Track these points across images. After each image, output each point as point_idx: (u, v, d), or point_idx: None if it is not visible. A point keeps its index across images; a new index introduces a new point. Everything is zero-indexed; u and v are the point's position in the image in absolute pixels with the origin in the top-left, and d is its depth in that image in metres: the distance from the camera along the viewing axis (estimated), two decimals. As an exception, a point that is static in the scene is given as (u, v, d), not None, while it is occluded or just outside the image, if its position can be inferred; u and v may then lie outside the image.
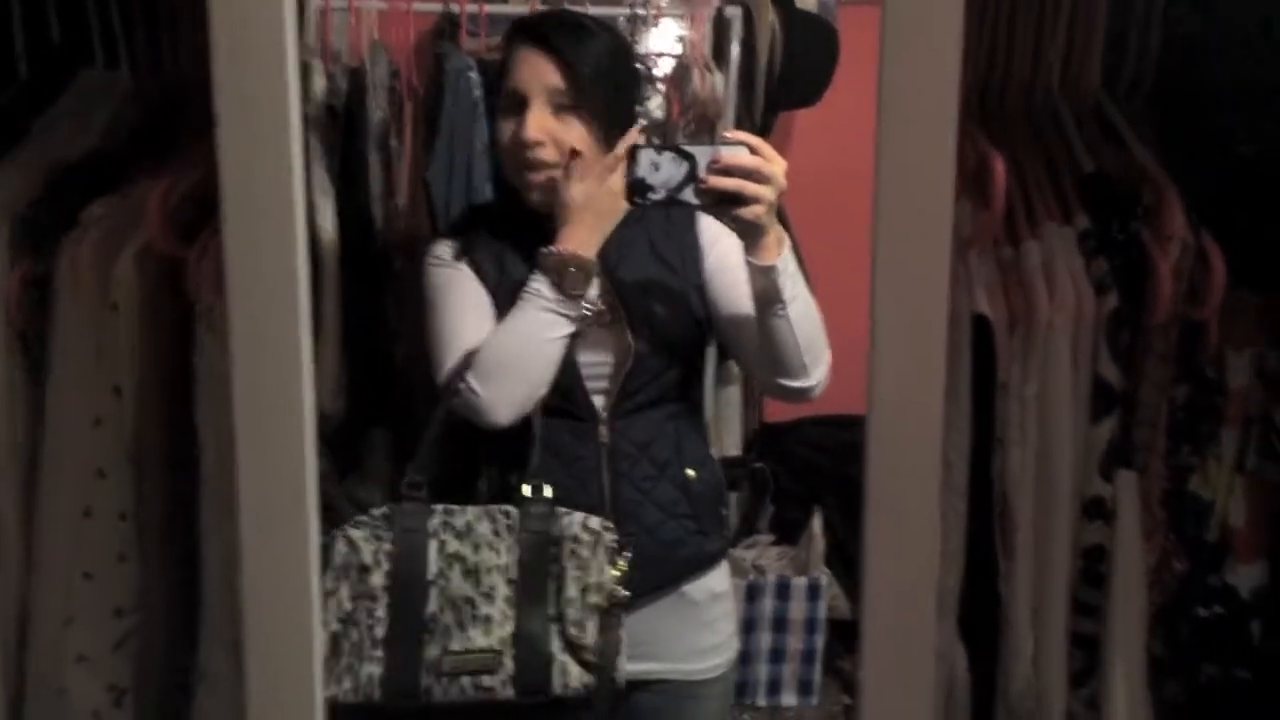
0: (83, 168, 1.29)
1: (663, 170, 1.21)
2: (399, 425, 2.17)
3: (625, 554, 1.29)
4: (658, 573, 1.39)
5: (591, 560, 1.27)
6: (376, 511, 1.26)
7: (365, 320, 2.15)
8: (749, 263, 1.26)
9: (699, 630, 1.44)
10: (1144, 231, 1.19)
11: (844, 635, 2.55)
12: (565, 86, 1.33)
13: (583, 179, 1.30)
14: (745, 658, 2.43)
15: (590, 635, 1.26)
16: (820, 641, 2.50)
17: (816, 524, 2.55)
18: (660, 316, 1.39)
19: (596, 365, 1.39)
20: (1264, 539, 1.20)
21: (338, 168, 2.19)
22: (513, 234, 1.39)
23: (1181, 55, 1.39)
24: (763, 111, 2.68)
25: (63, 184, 1.26)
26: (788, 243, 1.28)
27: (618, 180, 1.27)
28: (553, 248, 1.30)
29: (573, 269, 1.29)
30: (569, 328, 1.31)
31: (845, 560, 2.58)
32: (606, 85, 1.35)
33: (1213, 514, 1.21)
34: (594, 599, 1.26)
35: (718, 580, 1.46)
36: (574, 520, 1.29)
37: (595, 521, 1.29)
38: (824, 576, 2.51)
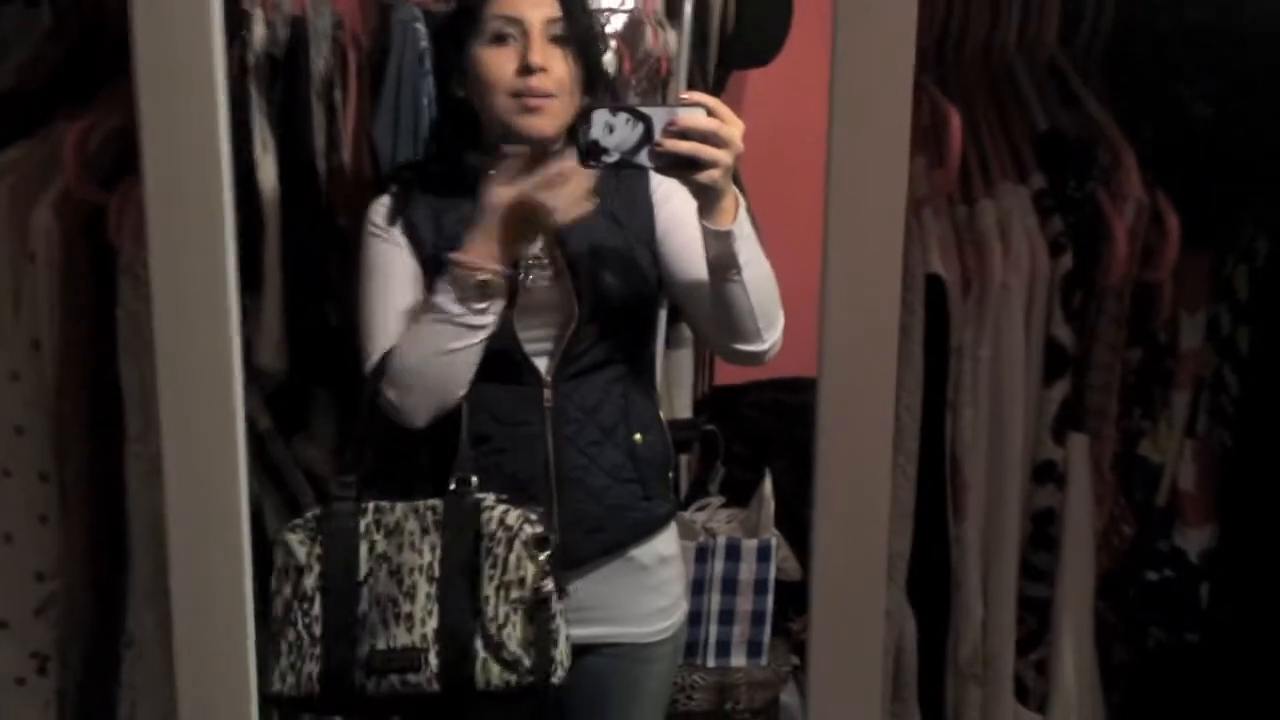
0: (-2, 109, 1.22)
1: (617, 132, 1.17)
2: (342, 384, 2.12)
3: (547, 548, 1.25)
4: (604, 537, 1.36)
5: (508, 556, 1.24)
6: (309, 514, 1.27)
7: (307, 277, 2.08)
8: (704, 227, 1.22)
9: (647, 594, 1.42)
10: (1100, 191, 1.17)
11: (793, 597, 2.55)
12: (560, 16, 1.30)
13: (565, 186, 1.24)
14: (694, 619, 2.42)
15: (514, 632, 1.23)
16: (769, 603, 2.49)
17: (767, 486, 2.53)
18: (608, 276, 1.35)
19: (540, 327, 1.34)
20: (1212, 503, 1.20)
21: (278, 120, 2.12)
22: (452, 191, 1.34)
23: (1137, 13, 1.37)
24: (715, 70, 2.64)
25: (-25, 126, 1.19)
26: (744, 206, 1.24)
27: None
28: (460, 255, 1.24)
29: (480, 282, 1.25)
30: (474, 338, 1.27)
31: (795, 523, 2.57)
32: (593, 22, 1.32)
33: (1162, 477, 1.20)
34: (514, 595, 1.24)
35: (665, 544, 1.44)
36: (493, 515, 1.25)
37: (513, 516, 1.25)
38: (774, 538, 2.50)
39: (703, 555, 2.47)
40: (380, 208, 1.38)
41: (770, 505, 2.54)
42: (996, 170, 1.21)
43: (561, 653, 1.25)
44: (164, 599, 1.06)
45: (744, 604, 2.52)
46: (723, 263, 1.24)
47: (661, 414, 1.49)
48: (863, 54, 0.98)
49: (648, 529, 1.40)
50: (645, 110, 1.18)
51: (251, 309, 2.10)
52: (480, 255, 1.25)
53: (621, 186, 1.38)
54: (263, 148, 2.08)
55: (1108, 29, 1.36)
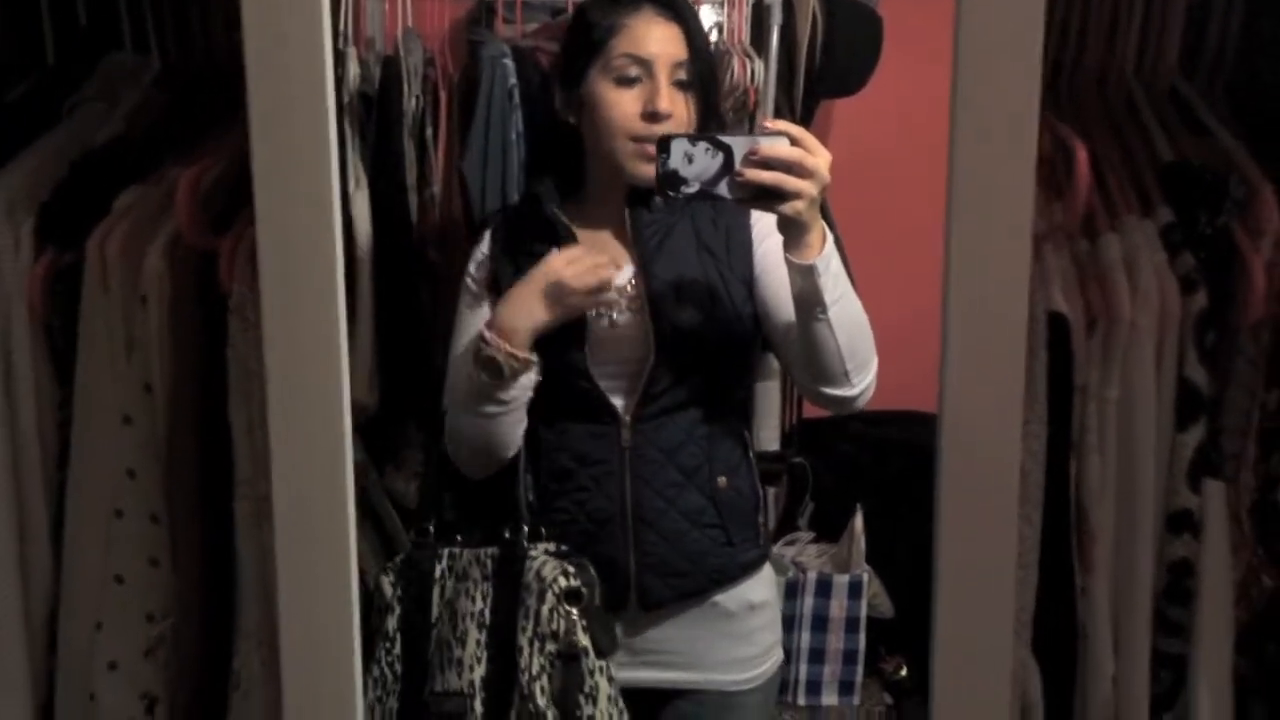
0: (110, 154, 1.23)
1: (696, 162, 1.13)
2: (434, 417, 2.12)
3: (580, 602, 1.22)
4: (682, 583, 1.31)
5: (540, 609, 1.21)
6: (400, 556, 1.31)
7: (400, 312, 2.10)
8: (788, 261, 1.17)
9: (733, 641, 1.36)
10: (1235, 226, 1.10)
11: (885, 635, 2.47)
12: (686, 59, 1.27)
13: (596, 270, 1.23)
14: (785, 656, 2.36)
15: (546, 685, 1.21)
16: (861, 641, 2.42)
17: (858, 521, 2.47)
18: (696, 312, 1.30)
19: (617, 364, 1.30)
20: (1361, 553, 1.12)
21: (371, 157, 2.14)
22: (538, 237, 1.32)
23: (1262, 39, 1.30)
24: (803, 100, 2.60)
25: (89, 171, 1.20)
26: (831, 241, 1.19)
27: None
28: (485, 330, 1.23)
29: (489, 359, 1.22)
30: (503, 409, 1.25)
31: (886, 559, 2.50)
32: (715, 66, 1.29)
33: (1305, 527, 1.12)
34: (549, 648, 1.21)
35: (755, 590, 1.37)
36: (531, 566, 1.23)
37: (550, 567, 1.22)
38: (865, 574, 2.43)
39: (793, 591, 2.41)
40: (476, 256, 1.37)
41: (861, 541, 2.47)
42: (1120, 203, 1.15)
43: (601, 711, 1.21)
44: (271, 641, 1.04)
45: (835, 641, 2.45)
46: (808, 299, 1.18)
47: (752, 456, 1.42)
48: (987, 84, 0.94)
49: (731, 576, 1.34)
50: (725, 139, 1.13)
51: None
52: (505, 329, 1.22)
53: (719, 220, 1.34)
54: (355, 184, 2.10)
55: (1231, 55, 1.29)
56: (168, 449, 1.11)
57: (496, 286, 1.31)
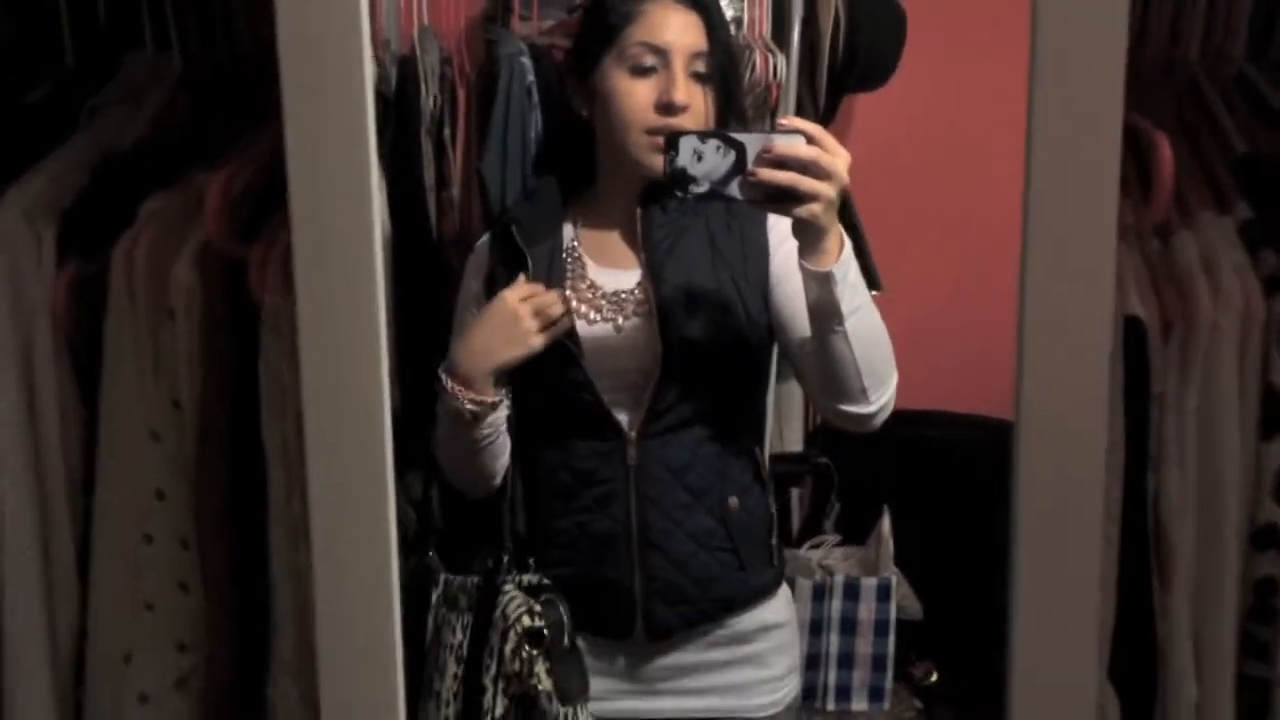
0: (133, 159, 1.16)
1: (706, 160, 1.06)
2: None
3: (542, 644, 1.17)
4: (689, 610, 1.24)
5: (503, 648, 1.16)
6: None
7: (418, 314, 2.04)
8: (803, 268, 1.10)
9: (745, 666, 1.29)
10: (1320, 222, 1.04)
11: (915, 638, 2.42)
12: (706, 51, 1.20)
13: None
14: (812, 662, 2.30)
15: None
16: (890, 645, 2.36)
17: (886, 523, 2.41)
18: (707, 320, 1.22)
19: (622, 376, 1.22)
20: None
21: (389, 158, 2.09)
22: (541, 240, 1.27)
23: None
24: (827, 96, 2.54)
25: (112, 177, 1.14)
26: (849, 247, 1.11)
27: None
28: (451, 384, 1.19)
29: (466, 410, 1.18)
30: (475, 437, 1.20)
31: (914, 561, 2.44)
32: (737, 58, 1.23)
33: (1397, 541, 1.06)
34: (512, 689, 1.16)
35: (770, 613, 1.30)
36: (500, 602, 1.17)
37: (515, 605, 1.16)
38: (894, 576, 2.37)
39: (819, 594, 2.35)
40: (474, 259, 1.31)
41: (890, 543, 2.42)
42: (1193, 199, 1.09)
43: None
44: (309, 670, 0.98)
45: (863, 646, 2.39)
46: (824, 309, 1.11)
47: (765, 475, 1.34)
48: (1067, 72, 0.87)
49: (743, 601, 1.27)
50: (738, 136, 1.06)
51: None
52: (463, 376, 1.17)
53: (734, 223, 1.26)
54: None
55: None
56: (197, 469, 1.05)
57: (492, 294, 1.26)
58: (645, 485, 1.22)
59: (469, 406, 1.17)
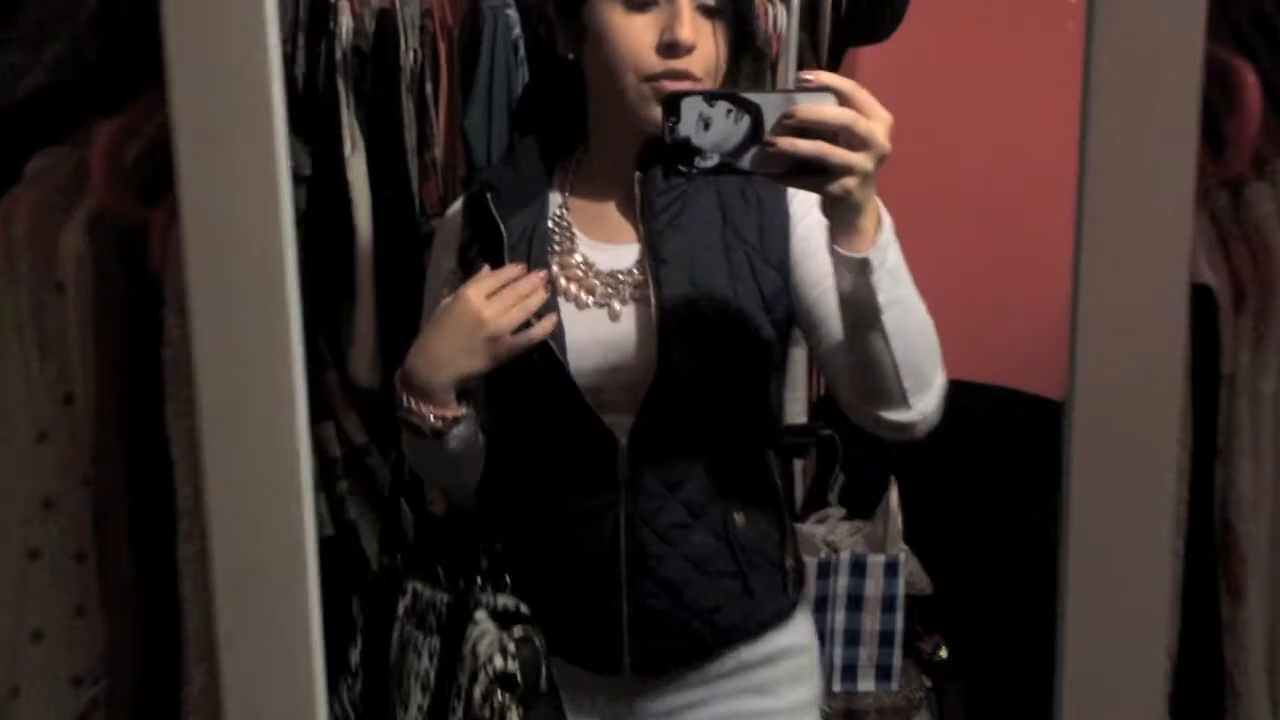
0: (27, 109, 0.97)
1: (715, 127, 0.85)
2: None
3: (516, 690, 0.99)
4: (689, 645, 1.06)
5: (472, 689, 0.98)
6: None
7: (402, 285, 1.88)
8: (835, 253, 0.90)
9: (748, 695, 1.10)
10: None
11: (924, 613, 2.26)
12: None
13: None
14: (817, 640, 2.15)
15: None
16: (899, 623, 2.20)
17: (894, 496, 2.24)
18: (715, 306, 1.02)
19: (615, 373, 1.03)
20: None
21: (367, 117, 1.93)
22: (525, 204, 1.06)
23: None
24: (830, 50, 2.34)
25: (2, 132, 0.94)
26: (889, 227, 0.91)
27: None
28: (409, 399, 1.01)
29: (427, 427, 1.00)
30: (448, 457, 1.03)
31: (922, 535, 2.28)
32: None
33: None
34: None
35: (783, 637, 1.11)
36: (471, 634, 0.99)
37: (487, 642, 0.98)
38: (902, 553, 2.21)
39: (825, 571, 2.20)
40: (443, 232, 1.10)
41: (898, 517, 2.25)
42: (1267, 145, 0.89)
43: None
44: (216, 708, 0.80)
45: (870, 623, 2.24)
46: (858, 300, 0.91)
47: (779, 483, 1.14)
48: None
49: (749, 633, 1.08)
50: (752, 97, 0.85)
51: (344, 318, 1.92)
52: (420, 389, 0.98)
53: (750, 190, 1.05)
54: (351, 147, 1.92)
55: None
56: (95, 472, 0.86)
57: (468, 271, 1.06)
58: (637, 500, 1.03)
59: (430, 423, 0.98)
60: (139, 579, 0.86)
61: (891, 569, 2.20)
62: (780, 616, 1.11)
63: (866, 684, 2.22)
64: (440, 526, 1.12)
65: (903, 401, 0.95)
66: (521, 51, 1.95)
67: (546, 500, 1.06)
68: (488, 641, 0.98)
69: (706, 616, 1.05)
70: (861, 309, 0.91)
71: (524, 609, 1.02)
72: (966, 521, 2.30)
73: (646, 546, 1.03)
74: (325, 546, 1.84)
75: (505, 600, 1.01)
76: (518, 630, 0.99)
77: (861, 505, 2.33)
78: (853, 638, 2.22)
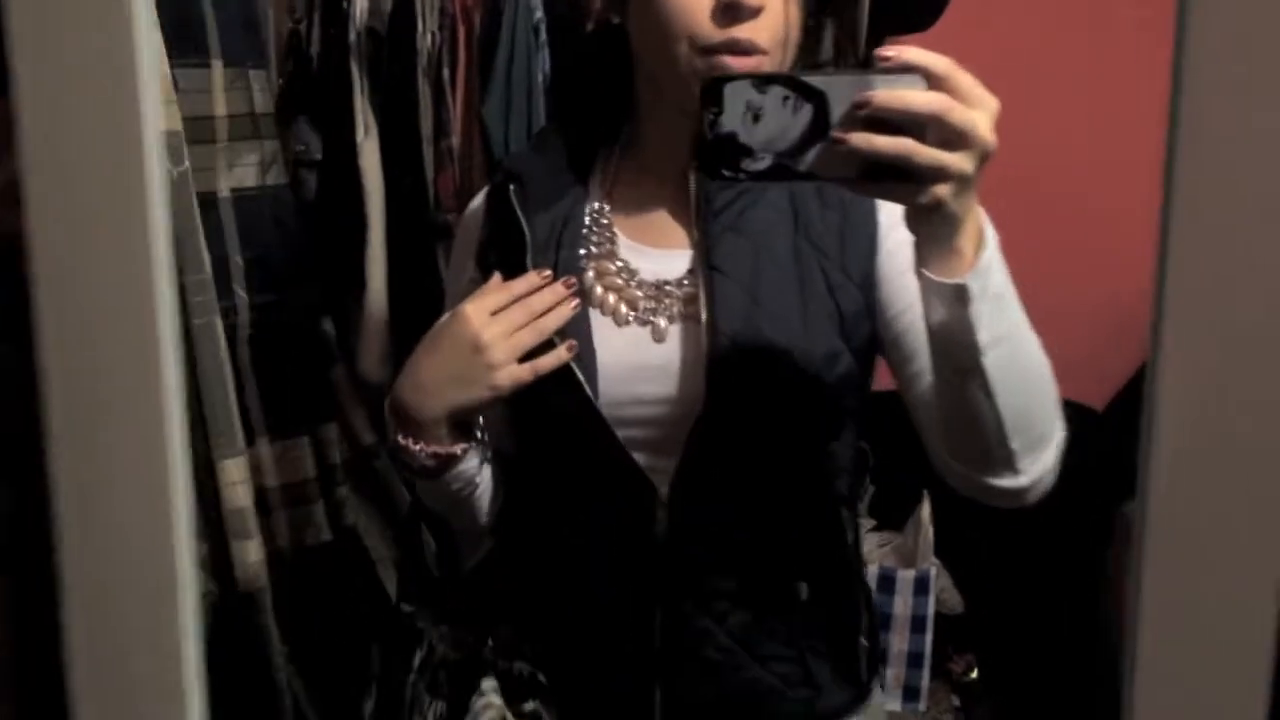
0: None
1: (768, 119, 0.64)
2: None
3: None
4: None
5: None
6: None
7: (414, 277, 1.77)
8: (924, 278, 0.68)
9: None
10: None
11: (954, 633, 2.09)
12: None
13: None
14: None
15: None
16: (928, 642, 2.03)
17: (925, 509, 2.07)
18: (779, 330, 0.81)
19: (656, 406, 0.82)
20: None
21: (382, 101, 1.83)
22: (555, 197, 0.87)
23: None
24: (867, 39, 2.17)
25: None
26: (993, 246, 0.69)
27: None
28: (400, 435, 0.81)
29: (420, 467, 0.82)
30: (454, 496, 0.84)
31: (955, 550, 2.11)
32: None
33: None
34: None
35: None
36: (473, 707, 0.81)
37: (490, 715, 0.79)
38: (933, 568, 2.03)
39: (851, 586, 2.04)
40: (465, 228, 0.92)
41: (929, 531, 2.07)
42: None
43: None
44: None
45: (899, 643, 2.06)
46: (952, 335, 0.69)
47: (857, 542, 0.91)
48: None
49: None
50: (815, 81, 0.64)
51: (353, 310, 1.83)
52: (412, 422, 0.79)
53: (831, 198, 0.83)
54: (365, 132, 1.81)
55: None
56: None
57: (487, 269, 0.87)
58: (678, 562, 0.83)
59: (421, 461, 0.81)
60: (18, 641, 0.72)
61: (922, 585, 2.03)
62: (847, 709, 0.89)
63: (893, 704, 2.06)
64: (460, 565, 0.95)
65: (1007, 465, 0.73)
66: (543, 35, 1.82)
67: (571, 556, 0.86)
68: (489, 717, 0.81)
69: (753, 709, 0.85)
70: (957, 348, 0.69)
71: (541, 678, 0.84)
72: (1001, 536, 2.11)
73: (687, 621, 0.82)
74: (322, 553, 1.70)
75: (521, 666, 0.83)
76: (528, 705, 0.81)
77: (892, 517, 2.16)
78: (879, 657, 2.06)
